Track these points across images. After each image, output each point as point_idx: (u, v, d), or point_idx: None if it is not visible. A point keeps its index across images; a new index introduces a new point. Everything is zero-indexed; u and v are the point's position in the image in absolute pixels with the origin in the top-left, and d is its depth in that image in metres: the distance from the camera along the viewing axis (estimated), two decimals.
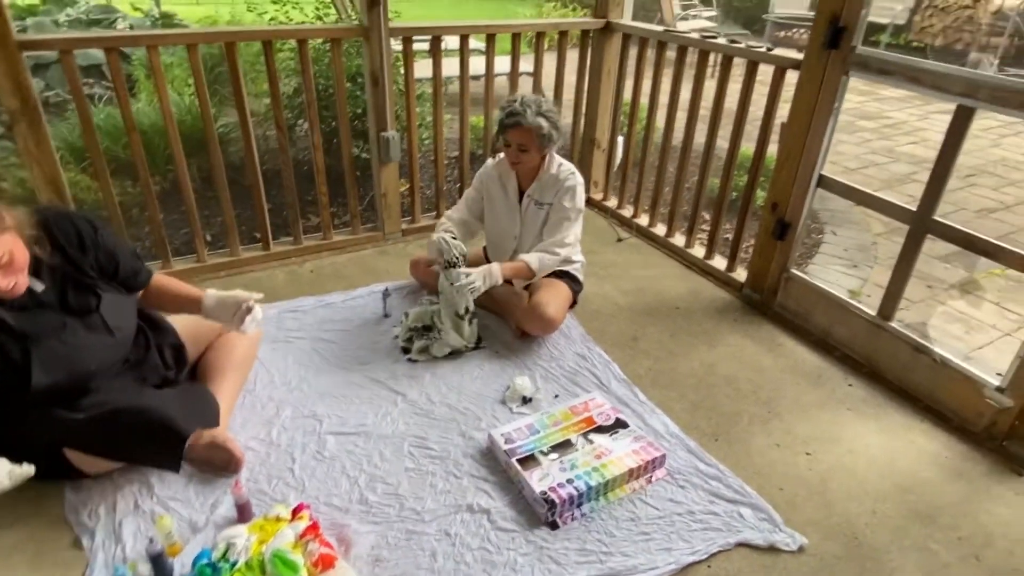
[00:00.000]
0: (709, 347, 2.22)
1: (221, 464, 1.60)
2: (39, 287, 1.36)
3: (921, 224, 1.95)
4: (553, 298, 2.16)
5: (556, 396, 1.95)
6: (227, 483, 1.60)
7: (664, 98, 2.74)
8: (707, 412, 1.93)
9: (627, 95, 2.97)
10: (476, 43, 4.71)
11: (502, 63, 3.62)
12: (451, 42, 2.77)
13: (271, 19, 3.78)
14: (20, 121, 2.06)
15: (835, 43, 2.00)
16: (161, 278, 1.64)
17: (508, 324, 2.27)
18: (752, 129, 2.35)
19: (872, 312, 2.13)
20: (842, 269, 3.06)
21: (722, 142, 2.64)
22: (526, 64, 3.65)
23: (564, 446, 1.70)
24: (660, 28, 2.78)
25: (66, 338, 1.39)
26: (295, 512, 1.46)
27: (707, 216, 3.38)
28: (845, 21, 1.97)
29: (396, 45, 2.60)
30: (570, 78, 3.06)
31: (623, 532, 1.53)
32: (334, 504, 1.57)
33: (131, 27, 5.07)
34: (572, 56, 3.15)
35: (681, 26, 6.74)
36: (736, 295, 2.55)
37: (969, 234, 1.86)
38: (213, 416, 1.57)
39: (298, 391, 1.92)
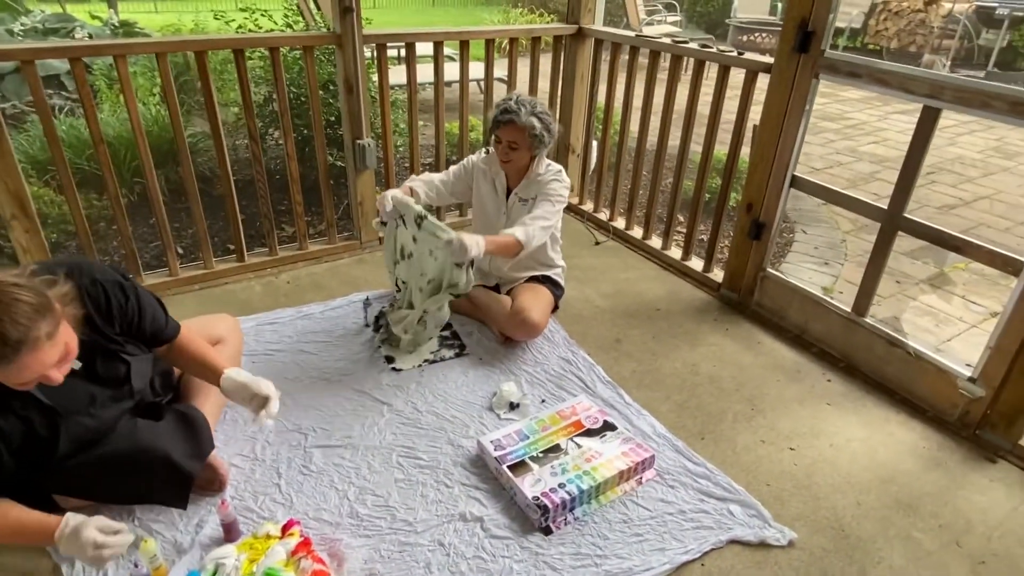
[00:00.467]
0: (691, 347, 2.25)
1: (205, 483, 1.56)
2: (76, 364, 1.27)
3: (892, 221, 2.01)
4: (536, 303, 2.16)
5: (543, 401, 1.95)
6: (212, 502, 1.56)
7: (637, 102, 2.77)
8: (692, 412, 1.95)
9: (600, 100, 3.00)
10: (448, 50, 4.71)
11: (475, 69, 3.62)
12: (421, 48, 2.76)
13: (239, 27, 3.72)
14: None
15: (804, 47, 2.05)
16: (186, 339, 1.53)
17: (491, 330, 2.27)
18: (725, 132, 2.39)
19: (847, 308, 2.18)
20: (814, 267, 3.13)
21: (696, 146, 2.67)
22: (499, 70, 3.67)
23: (554, 451, 1.70)
24: (632, 33, 2.81)
25: (95, 411, 1.35)
26: (285, 529, 1.43)
27: (683, 218, 3.42)
28: (813, 25, 2.02)
29: (367, 52, 2.58)
30: (543, 83, 3.07)
31: (616, 534, 1.53)
32: (324, 519, 1.54)
33: (90, 36, 4.94)
34: (545, 61, 3.17)
35: (647, 31, 6.83)
36: (714, 295, 2.58)
37: (939, 230, 1.91)
38: (208, 441, 1.53)
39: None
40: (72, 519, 1.26)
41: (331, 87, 3.21)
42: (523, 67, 3.08)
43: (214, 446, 1.57)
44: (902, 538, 1.58)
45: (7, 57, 2.02)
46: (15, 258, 2.22)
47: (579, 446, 1.71)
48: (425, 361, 2.11)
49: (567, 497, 1.55)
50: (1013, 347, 1.77)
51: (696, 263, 2.73)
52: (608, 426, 1.79)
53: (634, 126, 2.84)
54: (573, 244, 2.93)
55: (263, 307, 2.38)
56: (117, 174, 2.76)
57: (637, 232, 2.99)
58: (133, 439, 1.41)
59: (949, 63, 7.61)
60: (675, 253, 2.81)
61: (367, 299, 2.33)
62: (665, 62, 2.67)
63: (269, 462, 1.70)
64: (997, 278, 3.07)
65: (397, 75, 4.35)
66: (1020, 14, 7.60)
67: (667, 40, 2.62)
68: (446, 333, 2.25)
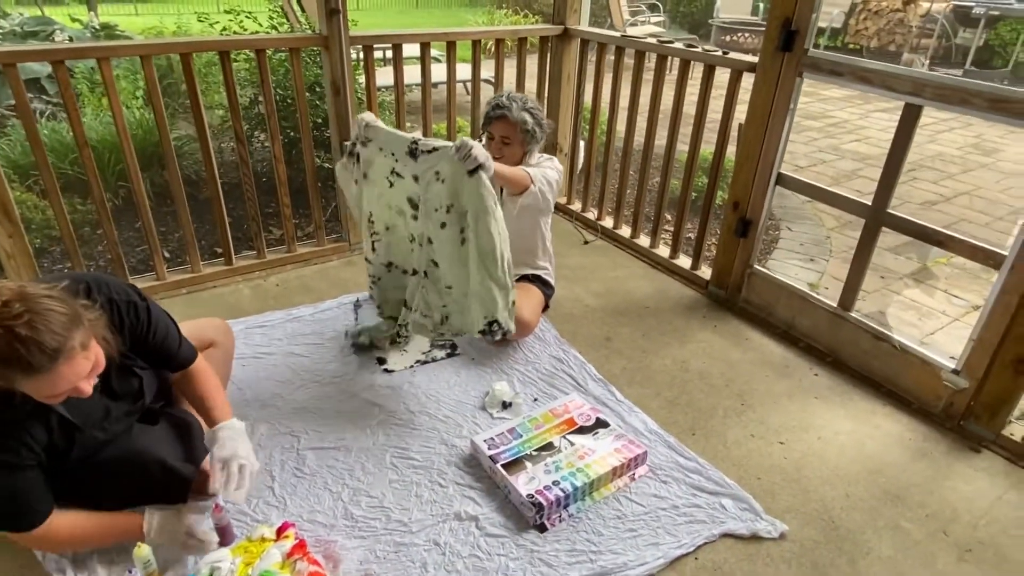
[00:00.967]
0: (680, 344, 2.27)
1: (199, 487, 1.55)
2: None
3: (876, 217, 2.04)
4: (526, 302, 2.17)
5: (535, 399, 1.96)
6: (205, 506, 1.54)
7: (624, 102, 2.79)
8: (683, 408, 1.96)
9: (587, 100, 3.00)
10: (435, 51, 4.71)
11: (462, 71, 3.62)
12: (407, 49, 2.76)
13: (223, 29, 3.70)
14: None
15: (788, 46, 2.07)
16: (200, 371, 1.50)
17: None
18: (711, 132, 2.41)
19: (833, 304, 2.21)
20: (800, 263, 3.16)
21: (682, 145, 2.69)
22: (486, 71, 3.68)
23: (547, 448, 1.71)
24: (617, 34, 2.83)
25: (108, 425, 1.36)
26: (280, 531, 1.42)
27: (670, 217, 3.44)
28: (797, 24, 2.05)
29: (352, 53, 2.57)
30: (530, 84, 3.09)
31: (611, 530, 1.54)
32: (318, 521, 1.54)
33: (71, 39, 4.88)
34: (531, 62, 3.18)
35: (632, 32, 6.87)
36: (702, 292, 2.60)
37: (922, 225, 1.95)
38: (202, 446, 1.52)
39: (272, 407, 1.89)
40: (155, 512, 1.37)
41: (317, 89, 3.20)
42: (509, 68, 3.09)
43: (208, 451, 1.56)
44: (890, 528, 1.61)
45: None
46: None
47: (572, 443, 1.72)
48: (417, 362, 2.11)
49: (561, 494, 1.56)
50: (995, 339, 1.80)
51: (684, 261, 2.75)
52: (600, 423, 1.80)
53: (621, 126, 2.86)
54: (562, 243, 2.94)
55: (252, 310, 2.37)
56: (102, 178, 2.73)
57: (625, 231, 3.00)
58: (129, 444, 1.40)
59: (928, 61, 7.73)
60: (663, 251, 2.83)
61: (357, 301, 2.33)
62: (651, 62, 2.69)
63: (262, 465, 1.69)
64: (979, 272, 3.12)
65: (384, 76, 4.34)
66: (996, 13, 7.74)
67: (652, 40, 2.64)
68: None
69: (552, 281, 2.37)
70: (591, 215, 3.18)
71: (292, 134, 3.24)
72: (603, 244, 3.00)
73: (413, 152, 1.74)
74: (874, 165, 4.56)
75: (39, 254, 2.83)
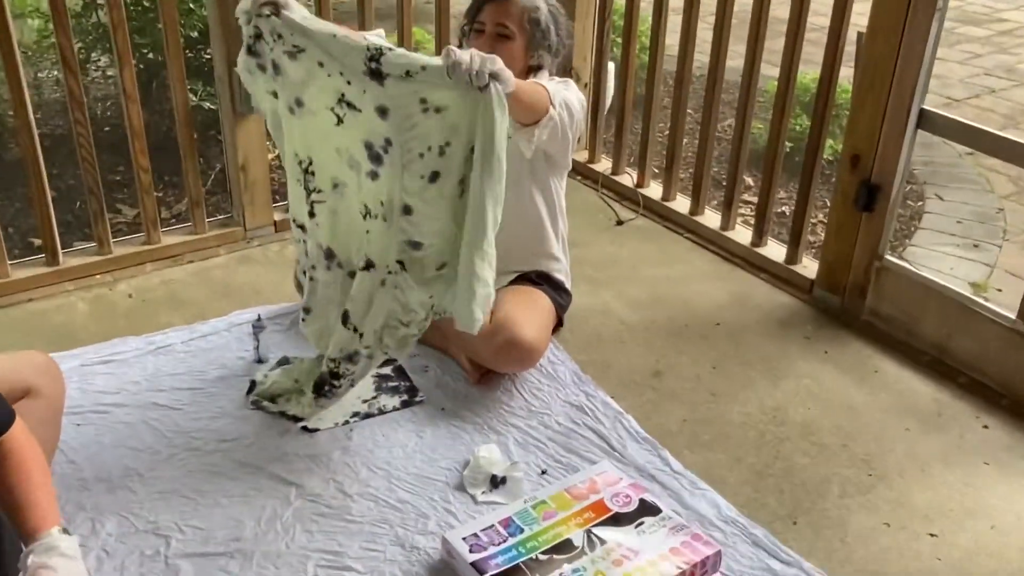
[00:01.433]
0: (771, 381, 2.26)
1: None
2: None
3: None
4: (529, 314, 2.16)
5: (543, 472, 1.96)
6: None
7: (676, 1, 2.78)
8: (777, 481, 1.96)
9: None
10: None
11: None
12: None
13: None
14: None
15: None
16: (12, 448, 1.49)
17: (457, 361, 2.27)
18: (813, 46, 2.43)
19: (1011, 315, 2.21)
20: (957, 252, 3.17)
21: (769, 68, 2.68)
22: None
23: (564, 549, 1.70)
24: None
25: None
26: None
27: (751, 181, 3.43)
28: None
29: None
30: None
31: None
32: None
33: None
34: None
35: None
36: (804, 299, 2.60)
37: None
38: (14, 562, 1.51)
39: (125, 491, 1.88)
40: None
41: None
42: None
43: (24, 568, 1.54)
44: None
45: None
46: None
47: (603, 541, 1.72)
48: (354, 415, 2.10)
49: None
50: None
51: (775, 250, 2.75)
52: (647, 508, 1.79)
53: (671, 38, 2.83)
54: (583, 224, 2.92)
55: (91, 336, 2.35)
56: None
57: (681, 204, 2.99)
58: None
59: None
60: (741, 235, 2.83)
61: (258, 318, 2.32)
62: None
63: None
64: None
65: None
66: None
67: None
68: (387, 370, 2.25)
69: (568, 283, 2.36)
70: (626, 180, 3.17)
71: (152, 56, 3.24)
72: (646, 224, 2.98)
73: (375, 72, 1.70)
74: None
75: None
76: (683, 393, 2.22)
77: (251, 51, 1.83)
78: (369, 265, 1.88)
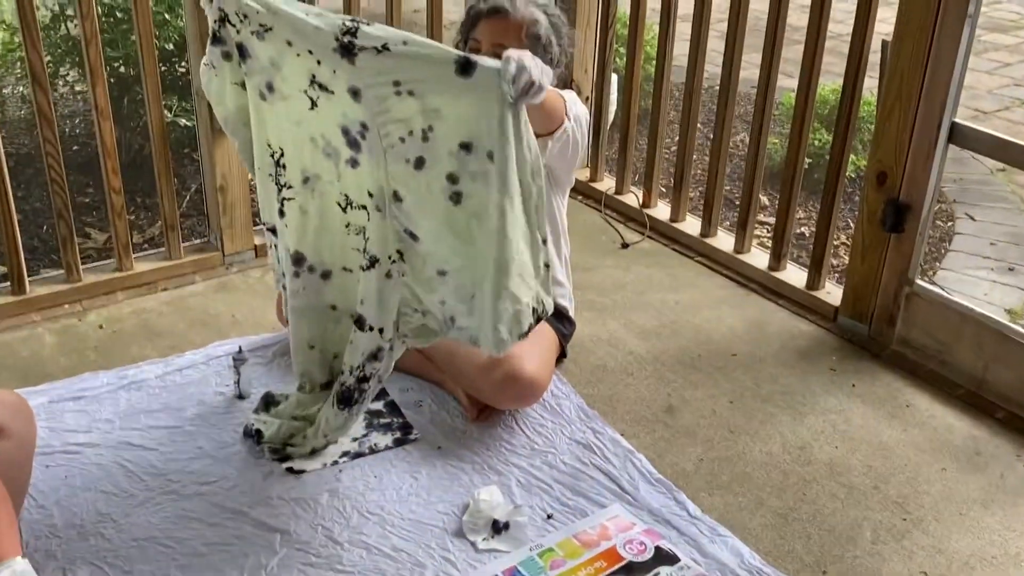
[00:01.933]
0: (794, 417, 2.24)
1: None
2: None
3: None
4: (530, 346, 2.08)
5: (549, 516, 1.93)
6: None
7: (685, 7, 2.76)
8: (804, 526, 1.93)
9: (623, 4, 3.00)
10: None
11: None
12: None
13: None
14: None
15: None
16: None
17: (455, 396, 2.25)
18: (835, 56, 2.38)
19: None
20: (992, 275, 3.14)
21: (786, 79, 2.69)
22: None
23: None
24: None
25: None
26: None
27: (767, 201, 3.39)
28: None
29: None
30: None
31: None
32: None
33: None
34: None
35: None
36: (828, 327, 2.59)
37: None
38: None
39: (98, 538, 1.86)
40: None
41: None
42: None
43: None
44: None
45: None
46: None
47: None
48: (344, 455, 2.08)
49: None
50: None
51: (795, 275, 2.73)
52: (664, 557, 1.79)
53: (680, 47, 2.82)
54: (586, 248, 2.91)
55: (60, 371, 2.34)
56: None
57: (691, 225, 2.97)
58: None
59: None
60: (758, 259, 2.81)
61: (239, 350, 2.28)
62: None
63: None
64: None
65: None
66: None
67: None
68: (378, 405, 2.22)
69: (571, 310, 2.35)
70: (631, 200, 3.15)
71: (124, 70, 3.22)
72: (653, 247, 2.97)
73: (347, 48, 1.66)
74: None
75: None
76: (698, 430, 2.20)
77: (216, 38, 1.82)
78: (373, 262, 1.84)
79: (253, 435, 2.08)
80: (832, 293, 2.64)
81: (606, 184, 3.26)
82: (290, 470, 2.02)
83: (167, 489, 1.96)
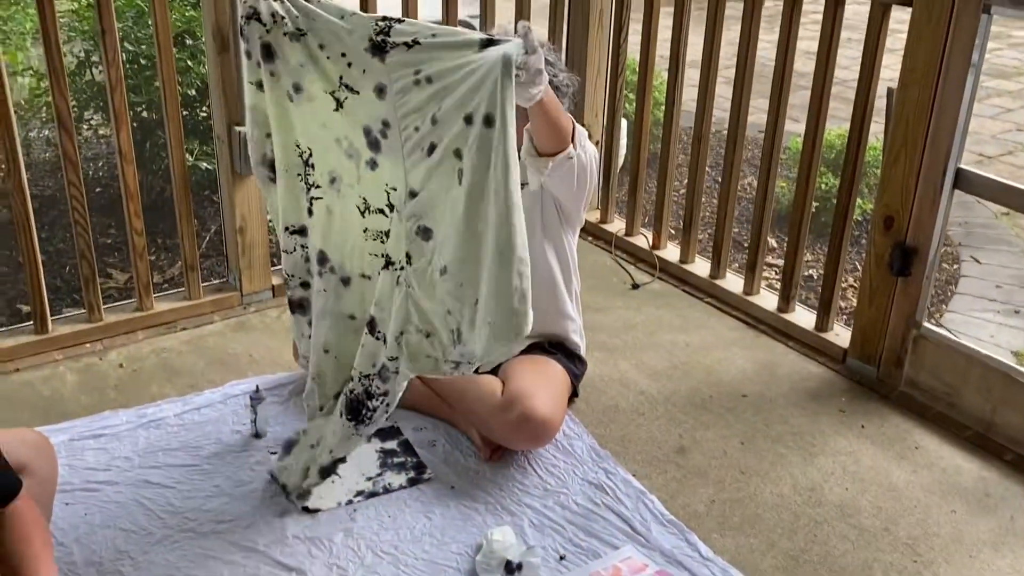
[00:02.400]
0: (805, 458, 2.24)
1: None
2: None
3: None
4: (543, 386, 2.14)
5: (562, 557, 1.93)
6: None
7: (694, 54, 2.79)
8: (815, 568, 1.92)
9: (633, 52, 3.03)
10: None
11: (430, 5, 3.66)
12: None
13: None
14: None
15: None
16: (17, 518, 1.53)
17: (468, 436, 2.26)
18: (841, 102, 2.42)
19: None
20: (998, 318, 3.15)
21: (794, 124, 2.72)
22: (467, 7, 3.70)
23: None
24: None
25: None
26: None
27: (775, 244, 3.41)
28: None
29: None
30: (538, 24, 3.10)
31: None
32: None
33: None
34: None
35: None
36: (837, 369, 2.59)
37: None
38: None
39: (115, 575, 1.86)
40: None
41: (190, 42, 3.24)
42: (506, 7, 3.10)
43: None
44: None
45: None
46: None
47: None
48: (358, 494, 2.09)
49: None
50: None
51: (804, 316, 2.74)
52: None
53: (689, 93, 2.84)
54: (597, 288, 2.93)
55: (80, 409, 2.35)
56: None
57: (701, 267, 2.98)
58: None
59: None
60: (767, 300, 2.82)
61: (256, 390, 2.29)
62: None
63: None
64: None
65: None
66: None
67: None
68: (392, 444, 2.23)
69: (582, 345, 2.36)
70: (641, 241, 3.17)
71: (147, 115, 3.24)
72: (663, 288, 2.98)
73: (379, 47, 1.70)
74: None
75: None
76: (710, 471, 2.20)
77: (241, 33, 1.86)
78: (388, 262, 1.87)
79: (279, 484, 2.09)
80: (841, 335, 2.64)
81: (616, 226, 3.29)
82: (306, 509, 2.02)
83: (184, 527, 1.97)
